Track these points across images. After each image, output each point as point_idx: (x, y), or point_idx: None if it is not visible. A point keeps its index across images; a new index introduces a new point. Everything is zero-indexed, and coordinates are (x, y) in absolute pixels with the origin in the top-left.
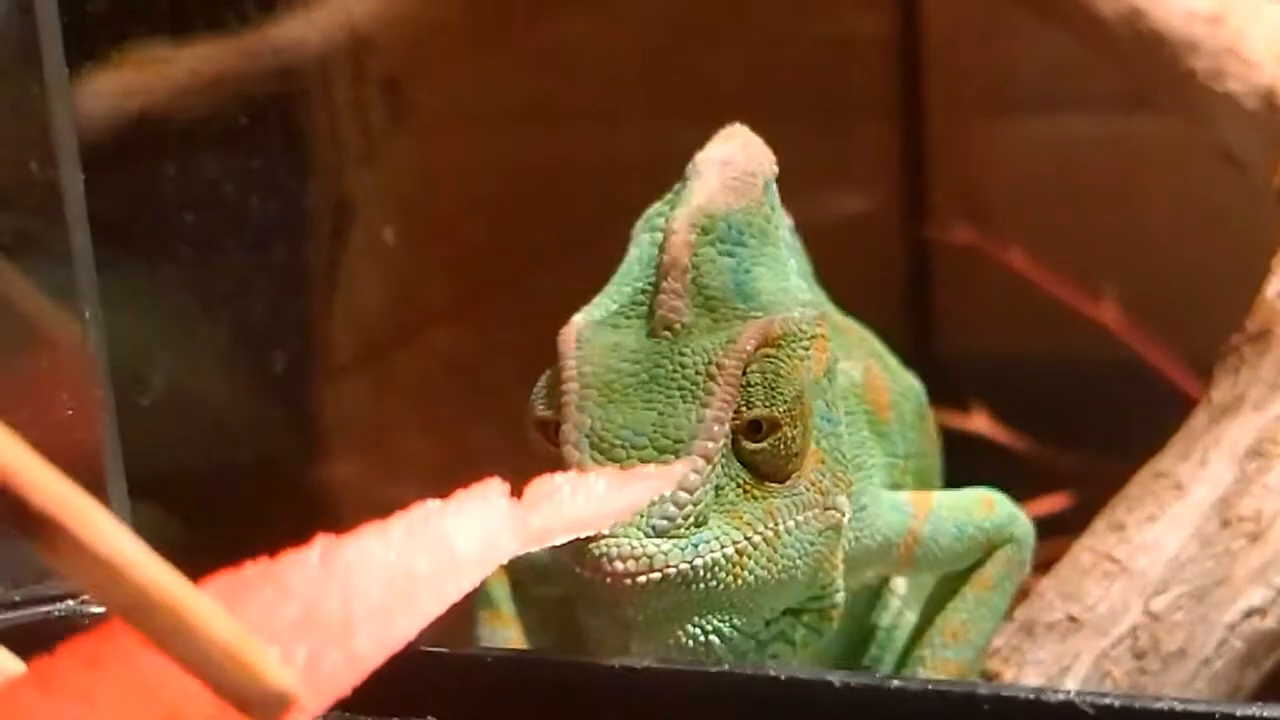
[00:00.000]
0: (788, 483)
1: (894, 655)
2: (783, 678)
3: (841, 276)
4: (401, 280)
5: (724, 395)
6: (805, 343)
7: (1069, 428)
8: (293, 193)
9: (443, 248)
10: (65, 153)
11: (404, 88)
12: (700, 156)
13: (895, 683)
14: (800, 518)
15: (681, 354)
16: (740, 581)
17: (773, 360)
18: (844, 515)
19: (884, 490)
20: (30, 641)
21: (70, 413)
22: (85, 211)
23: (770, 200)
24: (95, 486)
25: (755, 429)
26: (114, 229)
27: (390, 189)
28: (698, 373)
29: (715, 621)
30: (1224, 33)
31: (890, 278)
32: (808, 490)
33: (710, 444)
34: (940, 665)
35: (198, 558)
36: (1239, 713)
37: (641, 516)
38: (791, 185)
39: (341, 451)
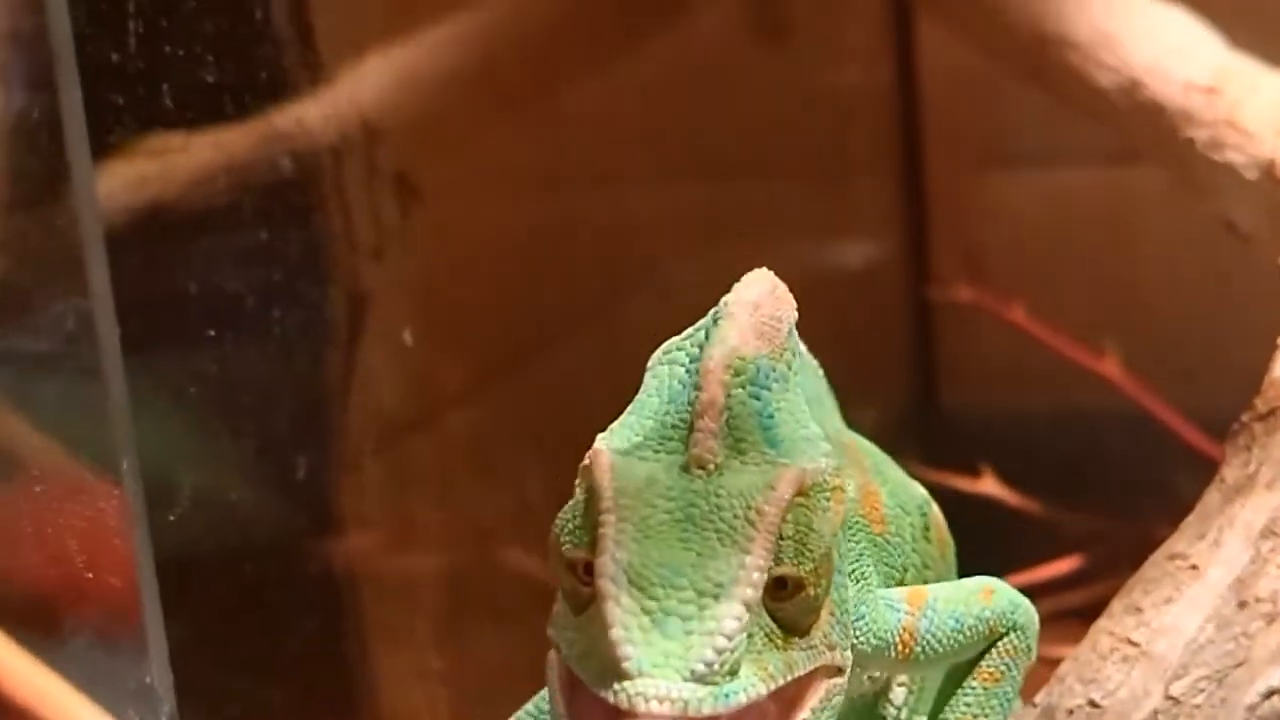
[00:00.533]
0: (805, 637)
1: None
2: None
3: (844, 334)
4: (417, 369)
5: (764, 543)
6: (827, 494)
7: (1074, 483)
8: (311, 296)
9: (455, 333)
10: (91, 238)
11: (412, 178)
12: (730, 299)
13: None
14: (811, 660)
15: (717, 495)
16: None
17: (805, 512)
18: (845, 661)
19: (879, 590)
20: None
21: (109, 538)
22: (115, 321)
23: (792, 346)
24: (130, 611)
25: (780, 586)
26: (137, 329)
27: (402, 281)
28: (735, 516)
29: None
30: (1222, 103)
31: (892, 334)
32: (820, 643)
33: (750, 591)
34: None
35: (230, 662)
36: None
37: (680, 659)
38: (794, 243)
39: (361, 540)
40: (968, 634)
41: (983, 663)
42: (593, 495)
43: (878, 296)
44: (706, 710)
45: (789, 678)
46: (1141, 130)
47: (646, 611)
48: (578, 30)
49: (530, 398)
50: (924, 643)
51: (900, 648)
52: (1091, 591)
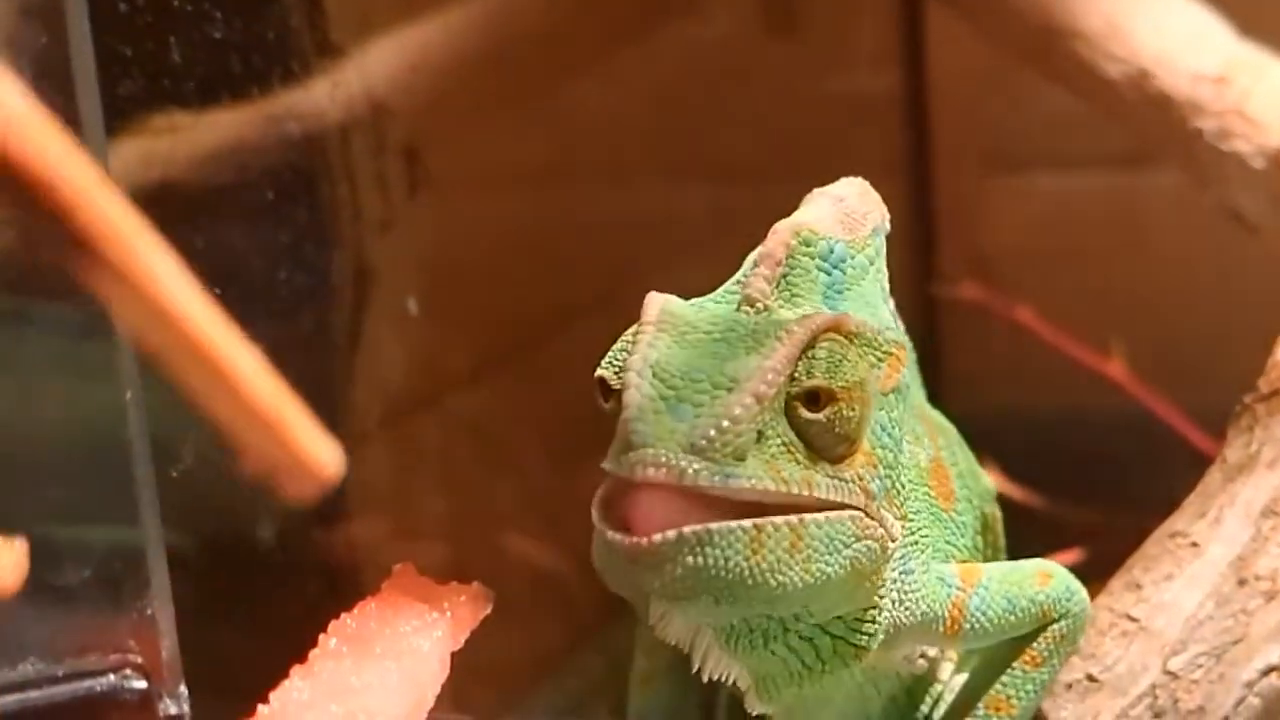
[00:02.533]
0: (835, 465)
1: None
2: None
3: None
4: (422, 347)
5: (786, 352)
6: (878, 353)
7: (1079, 483)
8: (316, 264)
9: (461, 313)
10: None
11: (421, 155)
12: (817, 190)
13: None
14: (839, 491)
15: (757, 324)
16: (759, 561)
17: (841, 345)
18: (890, 535)
19: (932, 563)
20: (70, 717)
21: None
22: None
23: (876, 246)
24: (134, 541)
25: (813, 399)
26: None
27: (409, 257)
28: (768, 335)
29: (731, 594)
30: (1230, 93)
31: None
32: (853, 482)
33: (763, 387)
34: None
35: (228, 618)
36: None
37: (684, 435)
38: None
39: (363, 514)
40: (1019, 616)
41: (1030, 646)
42: (639, 325)
43: None
44: (702, 481)
45: (806, 492)
46: (1150, 121)
47: (662, 397)
48: (588, 22)
49: (534, 384)
50: (973, 620)
51: (949, 623)
52: (1093, 586)
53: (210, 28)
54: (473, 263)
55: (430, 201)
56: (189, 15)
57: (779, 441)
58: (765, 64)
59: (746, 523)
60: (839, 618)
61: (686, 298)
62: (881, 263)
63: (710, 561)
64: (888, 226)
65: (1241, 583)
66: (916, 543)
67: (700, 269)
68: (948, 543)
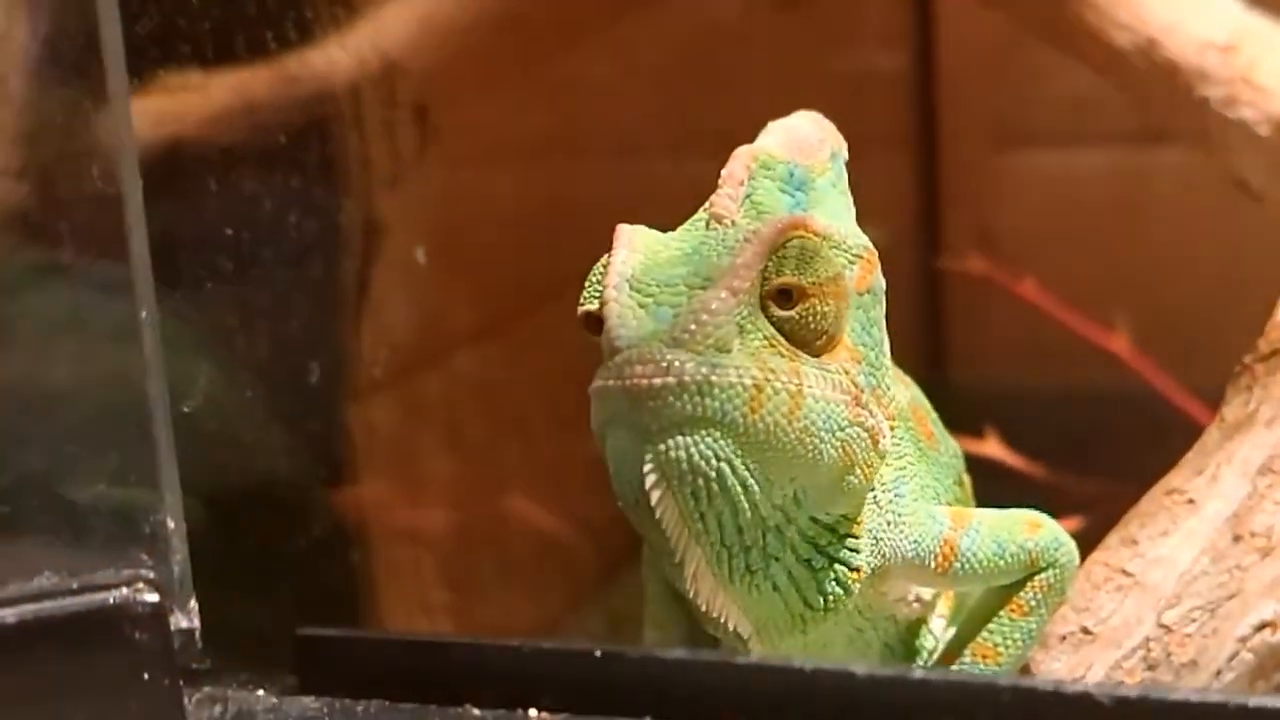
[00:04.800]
0: (819, 358)
1: None
2: (808, 669)
3: None
4: (428, 303)
5: (756, 249)
6: (849, 255)
7: (1080, 457)
8: (325, 214)
9: (468, 272)
10: (127, 164)
11: (432, 115)
12: (771, 123)
13: (918, 674)
14: (828, 392)
15: (725, 234)
16: (758, 419)
17: (812, 242)
18: (880, 429)
19: (922, 499)
20: (87, 629)
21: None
22: (144, 221)
23: (836, 170)
24: (146, 457)
25: (785, 296)
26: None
27: (417, 213)
28: (737, 240)
29: (728, 450)
30: (1237, 61)
31: (904, 308)
32: (839, 374)
33: (736, 282)
34: None
35: (246, 546)
36: (1253, 704)
37: (665, 333)
38: None
39: (368, 468)
40: (1008, 560)
41: (1017, 594)
42: (612, 252)
43: (890, 271)
44: (689, 371)
45: (795, 382)
46: (1157, 90)
47: (641, 305)
48: None
49: (539, 346)
50: (963, 560)
51: (940, 559)
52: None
53: None
54: (479, 223)
55: (439, 160)
56: None
57: (761, 335)
58: (773, 38)
59: (748, 379)
60: (831, 529)
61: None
62: (844, 185)
63: (708, 410)
64: (845, 154)
65: (1237, 539)
66: (904, 469)
67: None
68: (935, 479)
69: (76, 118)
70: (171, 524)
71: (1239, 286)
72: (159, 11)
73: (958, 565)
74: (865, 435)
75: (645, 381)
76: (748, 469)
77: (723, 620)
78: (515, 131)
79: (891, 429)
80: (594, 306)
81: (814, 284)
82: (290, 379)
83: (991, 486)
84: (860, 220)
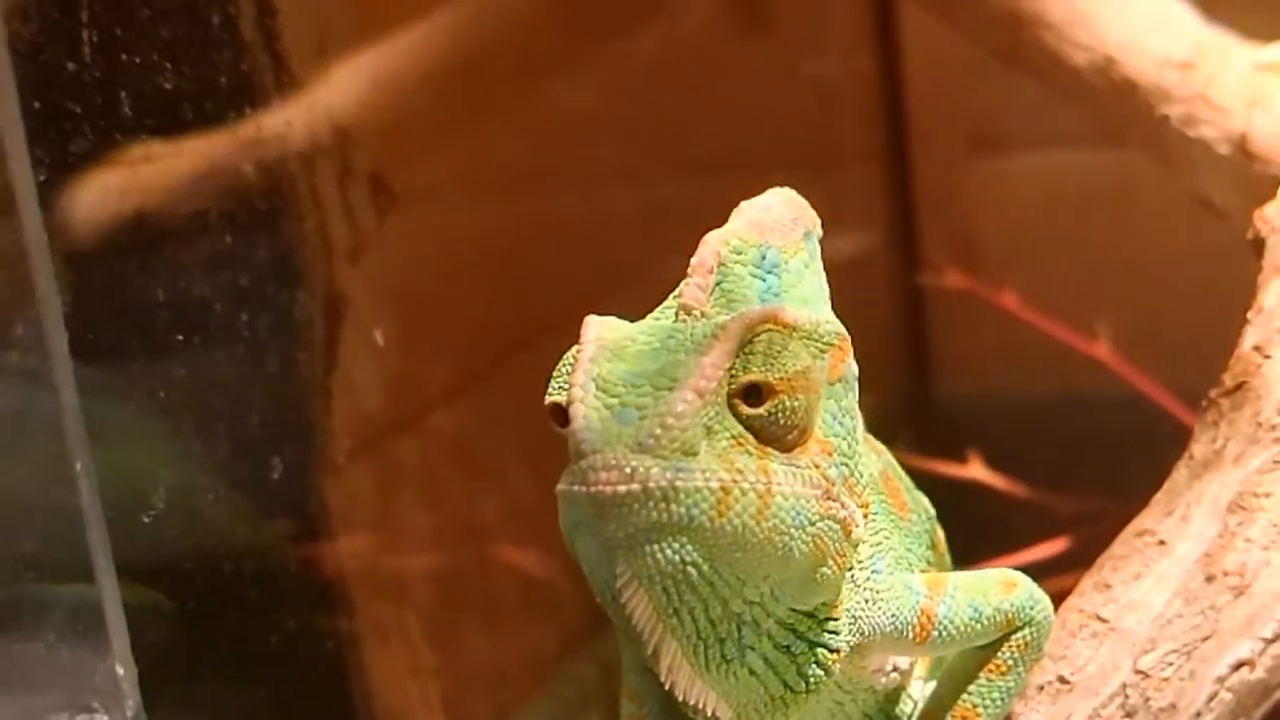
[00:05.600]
0: (789, 454)
1: None
2: None
3: None
4: (398, 371)
5: (724, 346)
6: (820, 344)
7: (1068, 466)
8: (285, 297)
9: (436, 333)
10: (41, 270)
11: (388, 180)
12: (742, 203)
13: None
14: (798, 489)
15: (694, 329)
16: (725, 522)
17: (781, 336)
18: (853, 520)
19: (898, 569)
20: None
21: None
22: (65, 335)
23: (810, 250)
24: (92, 603)
25: (753, 394)
26: (106, 337)
27: (380, 283)
28: (705, 336)
29: (695, 554)
30: (1195, 79)
31: (884, 322)
32: (810, 469)
33: (703, 382)
34: None
35: (211, 661)
36: None
37: (631, 437)
38: None
39: (347, 538)
40: (985, 624)
41: (995, 656)
42: (579, 345)
43: (868, 285)
44: (654, 477)
45: (764, 481)
46: (1116, 108)
47: (607, 406)
48: (554, 25)
49: (513, 397)
50: (940, 628)
51: (918, 630)
52: (1080, 573)
53: (166, 65)
54: (446, 280)
55: (400, 223)
56: (146, 48)
57: (728, 435)
58: (739, 58)
59: (714, 482)
60: (809, 615)
61: (660, 299)
62: (817, 265)
63: (674, 517)
64: (819, 231)
65: (1210, 579)
66: (880, 544)
67: (682, 266)
68: (908, 550)
69: None
70: (121, 671)
71: (1221, 286)
72: (110, 83)
73: (935, 634)
74: (837, 527)
75: (610, 489)
76: (716, 571)
77: (702, 706)
78: (478, 179)
79: (865, 515)
80: (561, 399)
81: (782, 379)
82: (254, 470)
83: (980, 509)
84: (837, 233)
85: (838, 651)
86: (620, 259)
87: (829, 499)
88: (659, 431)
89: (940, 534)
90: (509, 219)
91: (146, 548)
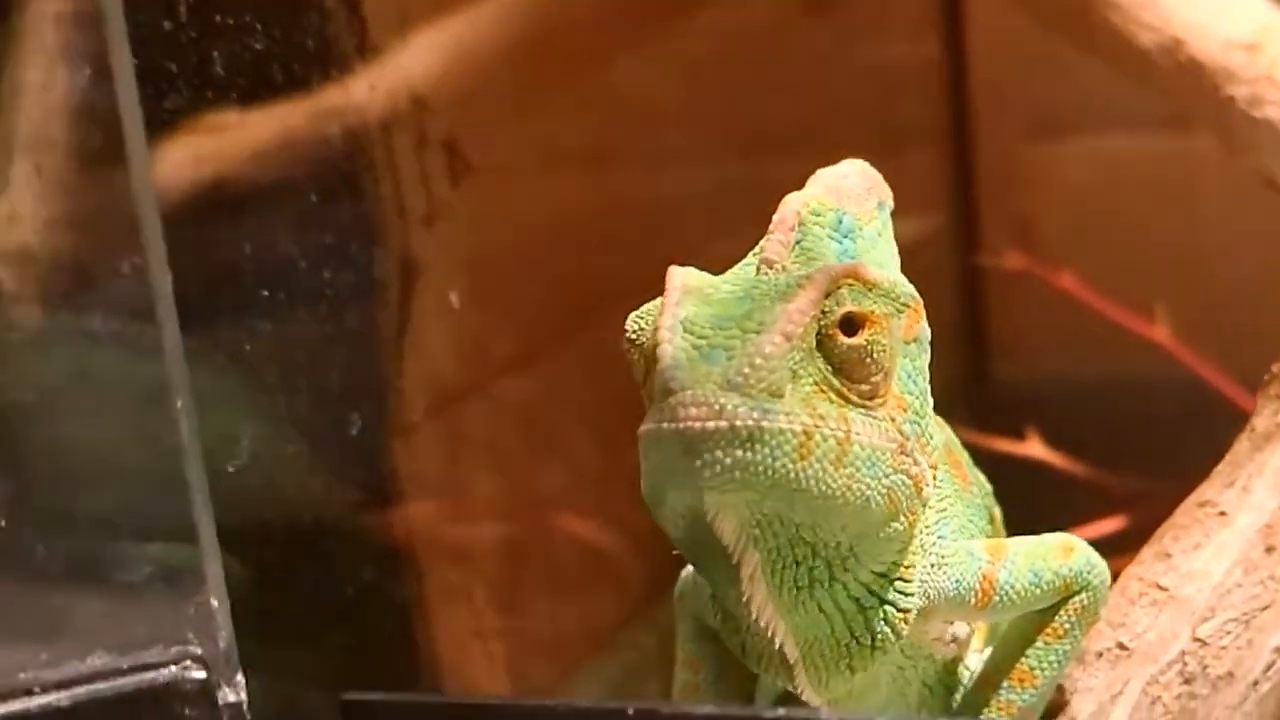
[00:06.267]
0: (869, 403)
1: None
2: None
3: None
4: (468, 336)
5: (810, 295)
6: (897, 303)
7: (1125, 449)
8: (363, 259)
9: (507, 301)
10: (151, 236)
11: (463, 147)
12: (819, 170)
13: None
14: (875, 440)
15: (778, 279)
16: (806, 466)
17: (863, 285)
18: (924, 477)
19: (960, 537)
20: (138, 708)
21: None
22: (171, 291)
23: (883, 219)
24: (188, 539)
25: (849, 325)
26: (195, 299)
27: (453, 249)
28: (790, 285)
29: (777, 498)
30: (1261, 60)
31: (943, 304)
32: (886, 422)
33: (790, 326)
34: (1005, 707)
35: (289, 609)
36: None
37: (720, 376)
38: None
39: (416, 500)
40: (1044, 588)
41: (1052, 619)
42: (664, 293)
43: (929, 266)
44: (740, 416)
45: (843, 428)
46: (1183, 89)
47: (695, 347)
48: (625, 5)
49: (579, 368)
50: (1002, 592)
51: (980, 595)
52: (1135, 553)
53: (252, 30)
54: (517, 249)
55: (473, 192)
56: (238, 9)
57: (812, 381)
58: (804, 38)
59: (797, 426)
60: (882, 575)
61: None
62: (889, 234)
63: (759, 457)
64: (891, 203)
65: (1269, 550)
66: (944, 510)
67: (747, 243)
68: (970, 520)
69: (96, 183)
70: (215, 602)
71: None
72: (193, 51)
73: (997, 598)
74: (909, 483)
75: (699, 425)
76: (796, 515)
77: (770, 635)
78: (548, 154)
79: (934, 477)
80: (639, 336)
81: (874, 311)
82: (333, 427)
83: (1037, 487)
84: (898, 215)
85: (907, 612)
86: (684, 237)
87: (903, 453)
88: (747, 371)
89: (998, 511)
90: (577, 193)
91: (230, 495)
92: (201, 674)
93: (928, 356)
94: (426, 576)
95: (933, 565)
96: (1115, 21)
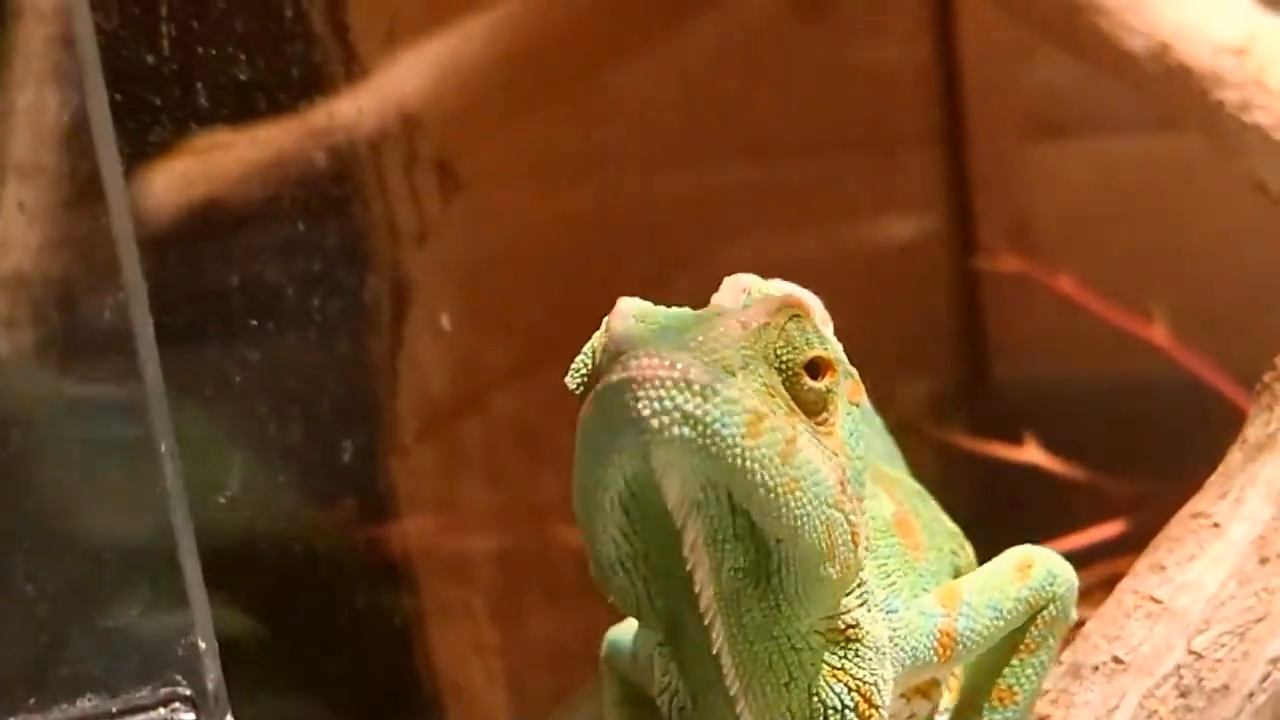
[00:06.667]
0: (817, 426)
1: None
2: None
3: (892, 307)
4: (462, 353)
5: (765, 304)
6: (845, 366)
7: (1124, 450)
8: (353, 283)
9: (500, 317)
10: (129, 264)
11: (454, 164)
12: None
13: None
14: (819, 461)
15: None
16: (754, 446)
17: (813, 329)
18: (860, 533)
19: (912, 609)
20: None
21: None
22: (151, 323)
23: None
24: (175, 581)
25: (814, 369)
26: (182, 321)
27: (445, 268)
28: (742, 304)
29: (721, 473)
30: (1250, 64)
31: (940, 306)
32: (831, 454)
33: (745, 317)
34: None
35: (283, 637)
36: None
37: (672, 338)
38: (840, 219)
39: (412, 519)
40: (1008, 618)
41: (1022, 637)
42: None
43: (925, 269)
44: (694, 374)
45: (791, 429)
46: (1172, 94)
47: (649, 328)
48: (616, 13)
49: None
50: (964, 640)
51: (941, 650)
52: (1135, 556)
53: (243, 54)
54: (510, 263)
55: (465, 208)
56: (221, 40)
57: (762, 381)
58: (797, 43)
59: (749, 402)
60: (826, 638)
61: (719, 284)
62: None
63: (709, 416)
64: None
65: (1263, 561)
66: (894, 584)
67: (743, 249)
68: (924, 589)
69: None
70: (203, 644)
71: (1277, 271)
72: (186, 75)
73: (960, 648)
74: (846, 526)
75: (651, 373)
76: (734, 501)
77: (714, 638)
78: (541, 166)
79: (866, 548)
80: (572, 381)
81: (838, 362)
82: (326, 451)
83: (1036, 492)
84: (894, 217)
85: (872, 685)
86: (680, 243)
87: (843, 490)
88: (701, 338)
89: (967, 551)
90: (571, 204)
91: (222, 527)
92: (190, 715)
93: (863, 434)
94: (424, 594)
95: (889, 639)
96: (1103, 26)
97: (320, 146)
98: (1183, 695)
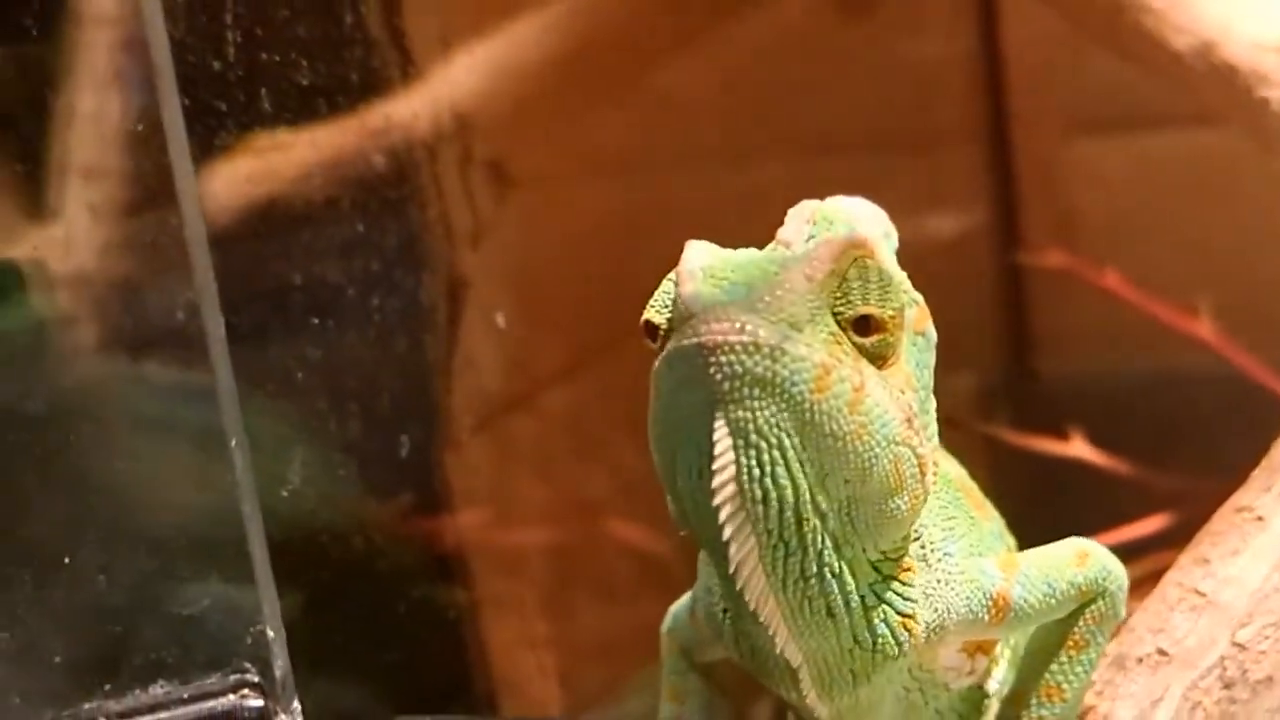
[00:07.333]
0: (882, 366)
1: None
2: None
3: (937, 303)
4: (515, 351)
5: (830, 249)
6: (910, 295)
7: (1169, 445)
8: (411, 283)
9: (552, 314)
10: (200, 263)
11: (505, 167)
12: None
13: None
14: (886, 402)
15: (794, 250)
16: (822, 399)
17: (878, 269)
18: (928, 463)
19: (971, 559)
20: None
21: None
22: (222, 322)
23: (890, 248)
24: (244, 570)
25: (862, 326)
26: (247, 320)
27: (499, 266)
28: (807, 248)
29: (790, 425)
30: None
31: (985, 302)
32: (896, 391)
33: (810, 270)
34: None
35: (343, 627)
36: None
37: (740, 300)
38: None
39: (468, 514)
40: (1059, 599)
41: (1072, 630)
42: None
43: (970, 265)
44: (763, 335)
45: (859, 378)
46: (1216, 92)
47: (717, 285)
48: (664, 13)
49: (625, 376)
50: (1017, 608)
51: (993, 612)
52: (1180, 551)
53: (304, 59)
54: (562, 261)
55: (518, 207)
56: (283, 46)
57: (828, 331)
58: (841, 41)
59: (817, 357)
60: (878, 569)
61: None
62: (895, 265)
63: (779, 377)
64: (896, 240)
65: None
66: (952, 529)
67: None
68: (985, 546)
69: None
70: (271, 633)
71: None
72: (250, 80)
73: (1012, 615)
74: (914, 459)
75: (721, 337)
76: (805, 451)
77: (772, 634)
78: (592, 164)
79: (936, 473)
80: (657, 316)
81: (892, 316)
82: (386, 447)
83: (1081, 486)
84: (938, 213)
85: (911, 618)
86: (727, 240)
87: (910, 427)
88: (769, 299)
89: (1011, 540)
90: (621, 202)
91: (284, 519)
92: (259, 701)
93: (933, 357)
94: (478, 587)
95: (939, 581)
96: (1147, 24)
97: (378, 148)
98: (1227, 687)
